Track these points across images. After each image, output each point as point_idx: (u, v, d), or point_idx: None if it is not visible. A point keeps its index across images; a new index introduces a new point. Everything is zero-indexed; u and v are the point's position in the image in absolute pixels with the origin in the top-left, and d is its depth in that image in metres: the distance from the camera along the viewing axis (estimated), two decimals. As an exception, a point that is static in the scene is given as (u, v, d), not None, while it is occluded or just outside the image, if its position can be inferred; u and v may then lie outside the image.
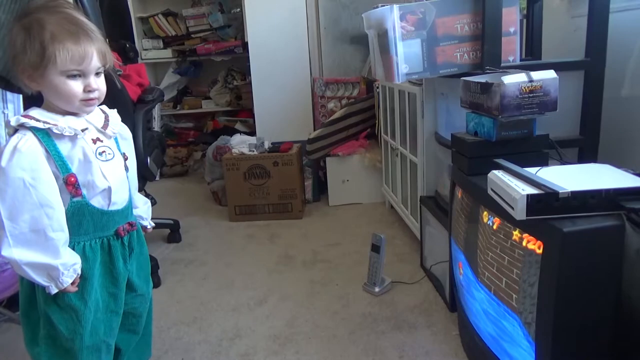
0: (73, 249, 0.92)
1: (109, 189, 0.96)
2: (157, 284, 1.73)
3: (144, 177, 1.71)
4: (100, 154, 0.95)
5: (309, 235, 2.15)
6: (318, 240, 2.08)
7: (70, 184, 0.90)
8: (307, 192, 2.56)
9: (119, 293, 1.01)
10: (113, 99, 1.54)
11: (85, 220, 0.94)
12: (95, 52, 0.90)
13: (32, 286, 0.94)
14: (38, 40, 0.85)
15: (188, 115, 3.59)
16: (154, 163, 1.76)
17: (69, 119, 0.91)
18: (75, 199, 0.91)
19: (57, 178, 0.88)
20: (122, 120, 1.53)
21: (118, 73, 1.59)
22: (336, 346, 1.33)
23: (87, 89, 0.91)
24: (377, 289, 1.57)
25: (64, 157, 0.90)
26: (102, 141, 0.96)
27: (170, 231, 2.16)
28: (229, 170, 2.33)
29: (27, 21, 0.87)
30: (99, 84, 0.93)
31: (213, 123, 3.52)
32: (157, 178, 1.79)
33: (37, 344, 0.96)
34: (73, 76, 0.89)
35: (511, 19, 1.36)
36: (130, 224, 1.03)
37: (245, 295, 1.64)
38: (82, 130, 0.92)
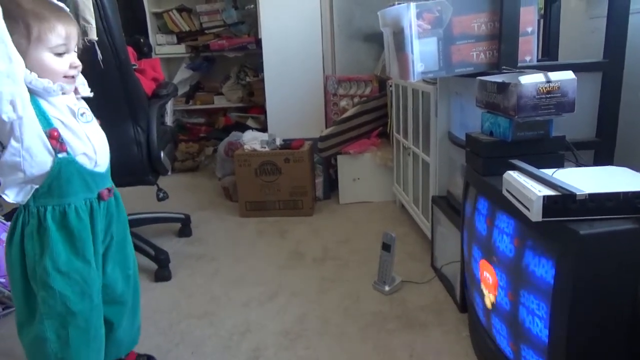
0: (64, 213, 0.94)
1: (94, 150, 0.97)
2: (167, 277, 1.75)
3: (158, 171, 1.72)
4: (82, 114, 0.97)
5: (319, 232, 2.15)
6: (328, 237, 2.08)
7: (53, 138, 0.90)
8: (318, 190, 2.56)
9: (97, 256, 1.02)
10: (128, 93, 1.56)
11: (74, 178, 0.94)
12: (74, 30, 0.92)
13: (22, 268, 0.94)
14: (21, 20, 0.85)
15: (200, 111, 3.60)
16: (167, 157, 1.77)
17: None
18: (60, 155, 0.91)
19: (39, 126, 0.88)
20: (137, 115, 1.56)
21: (133, 67, 1.60)
22: (346, 343, 1.33)
23: (73, 65, 0.93)
24: (387, 288, 1.57)
25: (47, 114, 0.90)
26: (78, 104, 0.98)
27: (181, 225, 2.17)
28: (240, 166, 2.34)
29: None
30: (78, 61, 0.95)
31: (225, 119, 3.53)
32: (169, 173, 1.81)
33: (39, 321, 0.96)
34: (60, 54, 0.90)
35: (529, 18, 1.35)
36: (109, 190, 1.04)
37: (255, 291, 1.64)
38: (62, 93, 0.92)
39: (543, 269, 0.84)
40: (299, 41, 2.76)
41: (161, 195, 1.80)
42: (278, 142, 2.41)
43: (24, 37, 0.86)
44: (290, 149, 2.35)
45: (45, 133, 0.89)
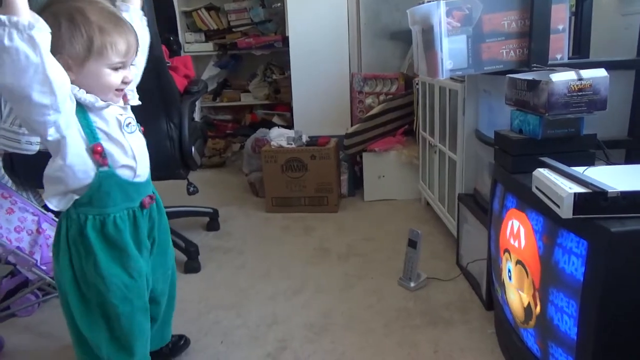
0: (103, 222, 0.96)
1: (135, 162, 0.99)
2: (197, 269, 1.80)
3: (188, 166, 1.76)
4: (128, 125, 0.98)
5: (344, 229, 2.17)
6: (353, 234, 2.10)
7: (97, 153, 0.92)
8: (343, 187, 2.58)
9: (145, 260, 1.05)
10: (162, 90, 1.60)
11: (113, 191, 0.96)
12: (134, 44, 0.94)
13: (72, 269, 0.98)
14: (85, 32, 0.87)
15: (227, 108, 3.66)
16: (197, 152, 1.82)
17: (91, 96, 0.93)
18: (102, 169, 0.93)
19: (83, 144, 0.91)
20: (170, 111, 1.61)
21: (167, 65, 1.64)
22: (371, 338, 1.35)
23: (125, 81, 0.94)
24: (412, 284, 1.58)
25: (93, 126, 0.92)
26: (125, 113, 1.00)
27: (210, 219, 2.22)
28: (267, 163, 2.38)
29: (65, 10, 0.86)
30: (132, 75, 0.97)
31: (251, 116, 3.58)
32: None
33: (92, 313, 1.01)
34: (116, 69, 0.92)
35: (560, 16, 1.34)
36: (151, 197, 1.06)
37: (281, 285, 1.68)
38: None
39: (573, 267, 0.84)
40: (326, 39, 2.78)
41: (191, 189, 1.85)
42: (304, 139, 2.43)
43: (85, 48, 0.87)
44: (316, 145, 2.38)
45: (90, 148, 0.91)
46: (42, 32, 0.78)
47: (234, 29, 3.43)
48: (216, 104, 3.60)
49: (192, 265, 1.79)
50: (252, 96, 3.52)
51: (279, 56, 3.39)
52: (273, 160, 2.37)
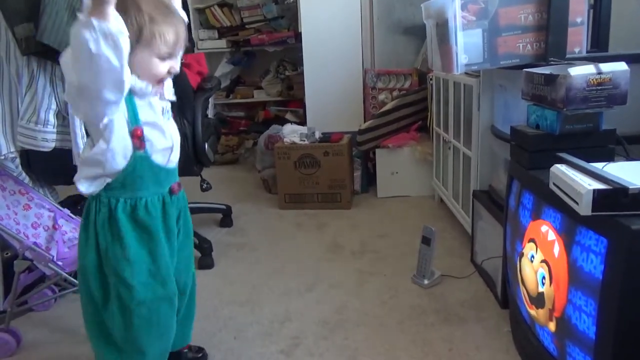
0: (135, 206, 0.97)
1: (171, 148, 1.00)
2: (210, 265, 1.80)
3: (201, 162, 1.77)
4: (167, 111, 1.00)
5: (357, 225, 2.16)
6: (366, 230, 2.09)
7: (136, 137, 0.93)
8: (356, 183, 2.57)
9: (173, 248, 1.05)
10: (176, 86, 1.61)
11: (146, 175, 0.97)
12: (183, 35, 0.95)
13: (97, 253, 0.98)
14: (136, 21, 0.88)
15: (240, 105, 3.67)
16: (210, 149, 1.82)
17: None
18: (138, 153, 0.94)
19: (126, 127, 0.92)
20: (184, 107, 1.61)
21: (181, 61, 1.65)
22: (385, 335, 1.34)
23: (171, 71, 0.95)
24: (426, 282, 1.57)
25: (137, 110, 0.93)
26: (163, 101, 1.01)
27: (223, 216, 2.23)
28: (280, 159, 2.38)
29: (120, 0, 0.87)
30: (178, 67, 0.97)
31: (264, 113, 3.58)
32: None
33: (112, 304, 1.00)
34: (163, 58, 0.92)
35: (579, 8, 1.31)
36: (179, 184, 1.07)
37: (295, 281, 1.67)
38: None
39: (592, 265, 0.82)
40: (338, 35, 2.76)
41: (205, 186, 1.86)
42: (317, 135, 2.43)
43: (135, 36, 0.88)
44: (329, 142, 2.37)
45: (130, 131, 0.93)
46: (126, 37, 0.81)
47: (246, 26, 3.43)
48: (229, 101, 3.61)
49: (206, 261, 1.80)
50: (265, 93, 3.52)
51: (292, 52, 3.38)
52: (286, 156, 2.37)
